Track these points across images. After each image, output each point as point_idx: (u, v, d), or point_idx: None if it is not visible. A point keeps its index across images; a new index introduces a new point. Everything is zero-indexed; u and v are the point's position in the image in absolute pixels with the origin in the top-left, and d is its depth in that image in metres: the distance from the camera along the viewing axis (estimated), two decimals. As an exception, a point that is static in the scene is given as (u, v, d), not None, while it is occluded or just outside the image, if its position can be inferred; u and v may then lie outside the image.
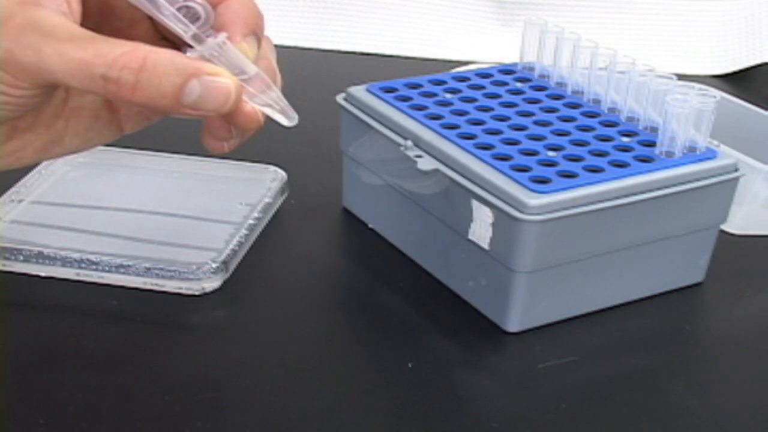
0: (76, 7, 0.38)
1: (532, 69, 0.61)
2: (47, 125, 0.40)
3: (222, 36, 0.38)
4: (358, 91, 0.58)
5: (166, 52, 0.36)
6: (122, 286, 0.51)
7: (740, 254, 0.59)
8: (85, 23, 0.38)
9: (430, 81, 0.59)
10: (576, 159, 0.50)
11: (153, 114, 0.42)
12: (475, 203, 0.49)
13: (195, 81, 0.36)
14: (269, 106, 0.40)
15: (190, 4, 0.38)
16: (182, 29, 0.38)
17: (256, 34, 0.40)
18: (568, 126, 0.54)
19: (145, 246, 0.54)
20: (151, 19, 0.42)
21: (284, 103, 0.40)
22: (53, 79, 0.36)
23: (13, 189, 0.58)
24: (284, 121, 0.40)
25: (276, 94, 0.40)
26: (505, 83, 0.60)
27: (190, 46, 0.38)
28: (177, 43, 0.43)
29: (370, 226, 0.59)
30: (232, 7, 0.40)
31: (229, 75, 0.37)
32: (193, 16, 0.38)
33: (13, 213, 0.56)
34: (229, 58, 0.38)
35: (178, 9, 0.38)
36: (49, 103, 0.39)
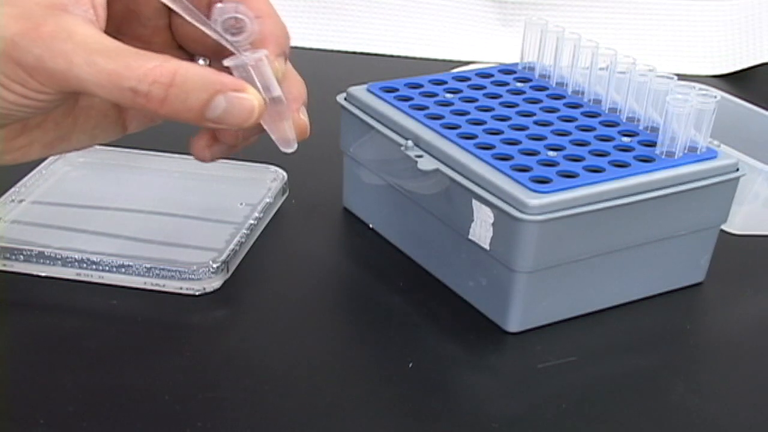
0: (102, 13, 0.38)
1: (532, 69, 0.61)
2: (56, 123, 0.41)
3: (262, 52, 0.39)
4: (359, 91, 0.58)
5: (193, 66, 0.37)
6: (123, 286, 0.51)
7: (740, 254, 0.59)
8: (107, 28, 0.38)
9: (430, 81, 0.59)
10: (576, 159, 0.50)
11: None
12: (475, 203, 0.49)
13: (220, 97, 0.37)
14: (278, 129, 0.41)
15: (240, 15, 0.39)
16: (227, 39, 0.39)
17: (285, 54, 0.41)
18: (568, 126, 0.54)
19: (146, 246, 0.54)
20: (170, 28, 0.42)
21: (291, 131, 0.41)
22: (80, 87, 0.36)
23: (14, 189, 0.58)
24: (284, 148, 0.41)
25: (288, 122, 0.41)
26: (505, 83, 0.60)
27: (215, 56, 0.39)
28: (192, 54, 0.43)
29: (371, 226, 0.59)
30: (266, 24, 0.40)
31: (254, 92, 0.38)
32: (238, 28, 0.39)
33: (13, 213, 0.56)
34: (261, 74, 0.39)
35: (227, 19, 0.39)
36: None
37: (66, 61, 0.36)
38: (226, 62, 0.39)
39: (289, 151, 0.41)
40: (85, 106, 0.41)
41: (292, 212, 0.61)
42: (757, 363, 0.50)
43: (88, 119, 0.42)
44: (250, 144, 0.43)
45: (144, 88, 0.36)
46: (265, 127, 0.40)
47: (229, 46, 0.39)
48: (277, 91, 0.40)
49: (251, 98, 0.38)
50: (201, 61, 0.39)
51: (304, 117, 0.42)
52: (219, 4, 0.39)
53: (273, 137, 0.41)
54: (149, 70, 0.36)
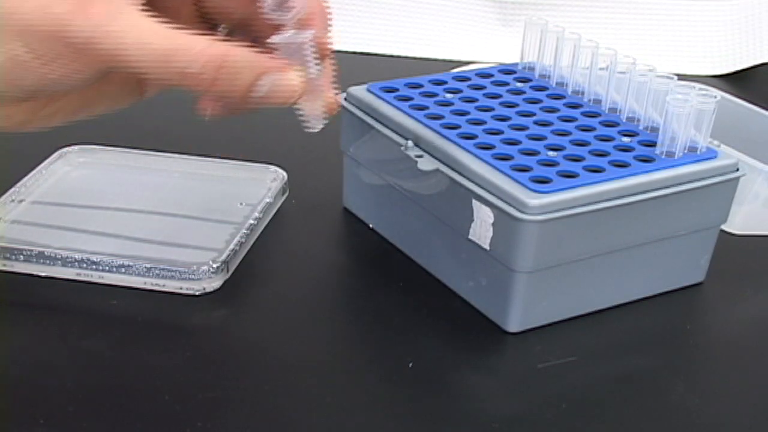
0: None
1: (532, 69, 0.61)
2: (81, 93, 0.41)
3: (310, 33, 0.40)
4: (359, 91, 0.58)
5: (241, 49, 0.38)
6: (122, 286, 0.51)
7: (740, 254, 0.59)
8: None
9: (430, 81, 0.59)
10: (576, 159, 0.50)
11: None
12: (475, 203, 0.49)
13: (266, 78, 0.38)
14: (310, 107, 0.42)
15: None
16: (278, 16, 0.40)
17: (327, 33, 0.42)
18: (568, 126, 0.54)
19: (146, 246, 0.54)
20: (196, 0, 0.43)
21: (322, 109, 0.42)
22: (127, 67, 0.37)
23: (14, 189, 0.58)
24: (313, 124, 0.43)
25: (321, 101, 0.42)
26: (505, 83, 0.60)
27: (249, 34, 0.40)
28: (216, 23, 0.44)
29: (371, 226, 0.59)
30: (312, 3, 0.41)
31: (296, 72, 0.39)
32: (287, 7, 0.40)
33: (13, 213, 0.56)
34: (305, 54, 0.40)
35: None
36: None
37: (116, 42, 0.36)
38: (273, 39, 0.40)
39: (317, 128, 0.43)
40: (109, 76, 0.42)
41: (292, 212, 0.61)
42: (757, 363, 0.50)
43: (110, 88, 0.42)
44: (248, 112, 0.44)
45: (195, 70, 0.36)
46: (300, 102, 0.41)
47: (276, 24, 0.40)
48: (315, 70, 0.41)
49: (294, 79, 0.39)
50: (273, 39, 0.40)
51: (335, 95, 0.43)
52: None
53: (303, 113, 0.42)
54: (199, 52, 0.37)
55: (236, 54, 0.37)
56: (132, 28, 0.36)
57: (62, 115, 0.41)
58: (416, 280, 0.54)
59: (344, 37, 0.92)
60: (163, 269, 0.51)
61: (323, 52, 0.42)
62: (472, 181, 0.49)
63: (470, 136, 0.52)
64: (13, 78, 0.37)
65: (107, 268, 0.51)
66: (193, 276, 0.51)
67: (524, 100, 0.57)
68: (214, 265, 0.52)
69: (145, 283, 0.51)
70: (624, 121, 0.55)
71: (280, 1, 0.40)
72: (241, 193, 0.60)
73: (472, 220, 0.49)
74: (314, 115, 0.42)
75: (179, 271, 0.51)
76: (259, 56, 0.38)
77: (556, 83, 0.59)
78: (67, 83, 0.38)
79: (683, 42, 0.93)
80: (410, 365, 0.48)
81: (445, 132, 0.52)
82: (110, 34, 0.36)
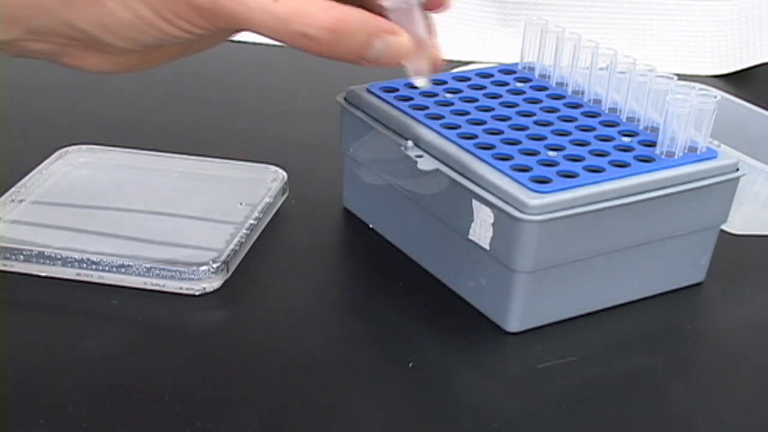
0: None
1: (532, 69, 0.61)
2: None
3: None
4: (359, 91, 0.58)
5: (355, 12, 0.40)
6: (123, 286, 0.51)
7: (740, 254, 0.59)
8: None
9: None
10: (576, 159, 0.50)
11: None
12: (475, 203, 0.49)
13: (379, 40, 0.40)
14: (416, 64, 0.45)
15: None
16: None
17: None
18: (568, 126, 0.54)
19: (146, 246, 0.54)
20: None
21: (426, 67, 0.45)
22: (247, 27, 0.39)
23: (14, 189, 0.58)
24: (418, 80, 0.45)
25: (426, 58, 0.45)
26: (505, 83, 0.60)
27: None
28: None
29: (371, 226, 0.59)
30: None
31: (406, 35, 0.42)
32: None
33: (13, 213, 0.56)
34: (412, 15, 0.43)
35: None
36: None
37: (242, 4, 0.38)
38: (385, 3, 0.42)
39: (422, 85, 0.46)
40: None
41: (292, 212, 0.61)
42: (757, 363, 0.50)
43: (217, 36, 0.44)
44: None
45: (312, 32, 0.39)
46: (406, 64, 0.44)
47: None
48: (423, 32, 0.43)
49: (404, 41, 0.42)
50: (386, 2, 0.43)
51: (438, 51, 0.46)
52: None
53: (408, 71, 0.45)
54: (316, 15, 0.39)
55: (351, 17, 0.40)
56: None
57: (167, 58, 0.44)
58: (416, 280, 0.54)
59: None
60: (163, 269, 0.51)
61: (431, 10, 0.45)
62: (472, 181, 0.49)
63: (470, 136, 0.52)
64: (135, 34, 0.40)
65: (107, 268, 0.51)
66: (193, 276, 0.51)
67: (524, 100, 0.57)
68: (214, 265, 0.52)
69: (145, 283, 0.51)
70: (624, 121, 0.55)
71: None
72: (241, 193, 0.60)
73: (472, 220, 0.49)
74: (420, 71, 0.45)
75: (179, 271, 0.51)
76: (372, 19, 0.40)
77: (556, 83, 0.59)
78: (185, 38, 0.40)
79: (683, 42, 0.93)
80: (410, 365, 0.48)
81: (445, 132, 0.52)
82: None
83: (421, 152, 0.52)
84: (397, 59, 0.42)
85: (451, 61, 0.88)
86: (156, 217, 0.57)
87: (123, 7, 0.39)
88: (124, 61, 0.43)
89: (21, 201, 0.57)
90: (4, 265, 0.52)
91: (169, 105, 0.76)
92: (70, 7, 0.40)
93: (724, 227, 0.56)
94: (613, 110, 0.56)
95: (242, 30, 0.40)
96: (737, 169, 0.52)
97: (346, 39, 0.40)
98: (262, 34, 0.40)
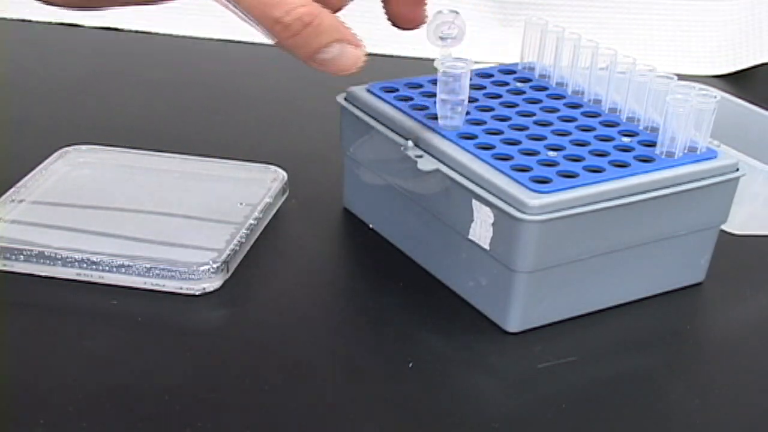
0: None
1: (532, 69, 0.61)
2: None
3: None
4: (359, 91, 0.58)
5: (329, 14, 0.41)
6: (123, 286, 0.51)
7: (740, 254, 0.59)
8: None
9: (430, 81, 0.59)
10: (576, 159, 0.50)
11: None
12: (475, 203, 0.49)
13: (337, 45, 0.42)
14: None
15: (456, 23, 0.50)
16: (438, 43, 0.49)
17: None
18: (568, 126, 0.54)
19: (146, 246, 0.54)
20: None
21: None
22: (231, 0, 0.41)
23: (14, 189, 0.58)
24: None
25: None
26: (505, 83, 0.60)
27: None
28: None
29: (371, 226, 0.59)
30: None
31: (364, 50, 0.43)
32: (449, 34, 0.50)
33: (13, 213, 0.56)
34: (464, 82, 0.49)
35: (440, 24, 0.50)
36: None
37: None
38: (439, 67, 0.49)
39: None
40: None
41: (292, 212, 0.61)
42: (757, 363, 0.50)
43: None
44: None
45: (286, 20, 0.40)
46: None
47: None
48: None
49: (360, 54, 0.43)
50: None
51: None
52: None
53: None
54: (294, 7, 0.40)
55: (325, 17, 0.41)
56: None
57: (108, 3, 0.44)
58: (416, 280, 0.54)
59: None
60: (163, 269, 0.51)
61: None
62: (472, 181, 0.49)
63: (470, 136, 0.52)
64: None
65: (107, 268, 0.51)
66: (193, 276, 0.51)
67: (524, 100, 0.57)
68: (214, 265, 0.52)
69: (145, 283, 0.51)
70: (624, 121, 0.55)
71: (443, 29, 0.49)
72: (241, 193, 0.60)
73: (472, 220, 0.49)
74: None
75: (179, 271, 0.51)
76: (343, 25, 0.42)
77: (556, 83, 0.59)
78: None
79: (683, 42, 0.93)
80: (410, 365, 0.48)
81: (445, 132, 0.52)
82: None
83: (421, 152, 0.52)
84: (345, 70, 0.43)
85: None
86: (156, 217, 0.57)
87: None
88: None
89: (21, 201, 0.57)
90: (4, 265, 0.52)
91: (169, 105, 0.76)
92: None
93: (724, 227, 0.56)
94: (613, 110, 0.56)
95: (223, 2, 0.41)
96: (737, 169, 0.52)
97: (311, 36, 0.41)
98: (241, 10, 0.41)
